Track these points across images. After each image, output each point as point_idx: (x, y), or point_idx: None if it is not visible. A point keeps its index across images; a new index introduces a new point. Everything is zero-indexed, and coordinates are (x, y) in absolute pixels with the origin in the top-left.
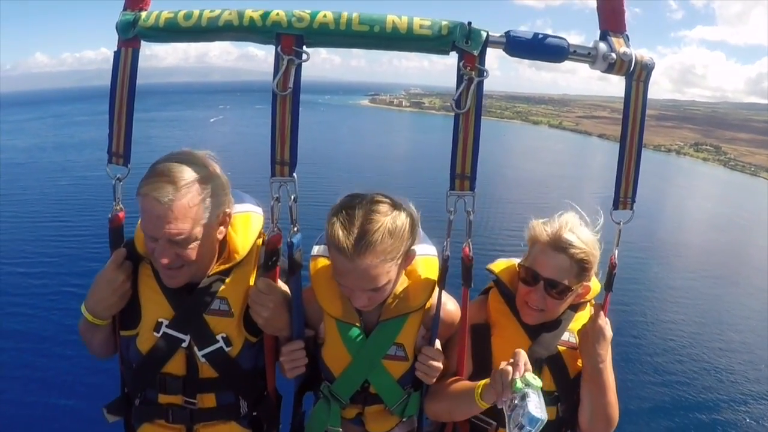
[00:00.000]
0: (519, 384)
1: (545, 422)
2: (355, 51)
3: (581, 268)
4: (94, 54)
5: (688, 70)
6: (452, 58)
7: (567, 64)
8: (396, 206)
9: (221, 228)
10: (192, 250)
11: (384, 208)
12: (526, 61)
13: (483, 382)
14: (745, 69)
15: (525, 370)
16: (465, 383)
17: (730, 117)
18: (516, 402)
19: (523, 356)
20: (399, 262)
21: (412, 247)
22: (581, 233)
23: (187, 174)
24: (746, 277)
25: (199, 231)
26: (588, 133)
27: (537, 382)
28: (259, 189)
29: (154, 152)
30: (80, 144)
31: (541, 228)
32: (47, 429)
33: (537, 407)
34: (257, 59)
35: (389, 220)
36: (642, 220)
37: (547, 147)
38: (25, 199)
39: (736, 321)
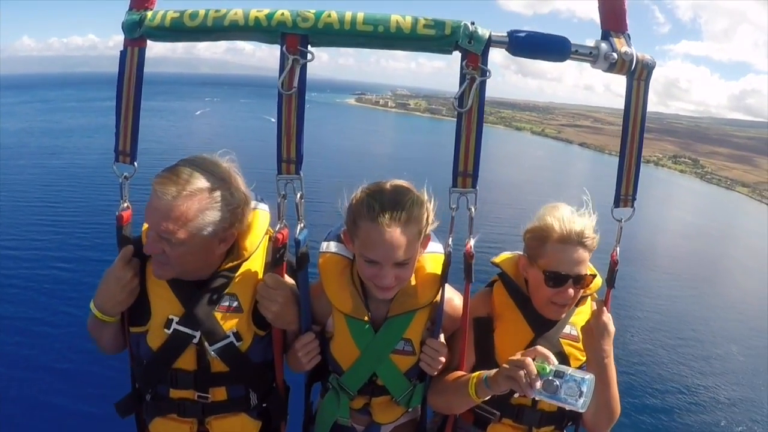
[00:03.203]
0: (547, 367)
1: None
2: (343, 49)
3: (590, 252)
4: (82, 40)
5: (672, 83)
6: (441, 60)
7: (553, 71)
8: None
9: (221, 245)
10: (179, 254)
11: (407, 186)
12: (513, 67)
13: (475, 375)
14: (729, 85)
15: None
16: (460, 378)
17: (712, 132)
18: (555, 382)
19: (539, 349)
20: (420, 239)
21: (428, 231)
22: (584, 221)
23: (198, 183)
24: (712, 282)
25: (189, 239)
26: (569, 141)
27: (552, 358)
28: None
29: (139, 142)
30: (68, 130)
31: (552, 225)
32: (45, 415)
33: (578, 373)
34: (245, 53)
35: (414, 192)
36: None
37: (528, 153)
38: (15, 183)
39: (701, 324)
